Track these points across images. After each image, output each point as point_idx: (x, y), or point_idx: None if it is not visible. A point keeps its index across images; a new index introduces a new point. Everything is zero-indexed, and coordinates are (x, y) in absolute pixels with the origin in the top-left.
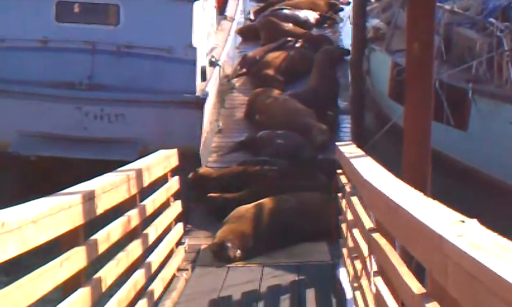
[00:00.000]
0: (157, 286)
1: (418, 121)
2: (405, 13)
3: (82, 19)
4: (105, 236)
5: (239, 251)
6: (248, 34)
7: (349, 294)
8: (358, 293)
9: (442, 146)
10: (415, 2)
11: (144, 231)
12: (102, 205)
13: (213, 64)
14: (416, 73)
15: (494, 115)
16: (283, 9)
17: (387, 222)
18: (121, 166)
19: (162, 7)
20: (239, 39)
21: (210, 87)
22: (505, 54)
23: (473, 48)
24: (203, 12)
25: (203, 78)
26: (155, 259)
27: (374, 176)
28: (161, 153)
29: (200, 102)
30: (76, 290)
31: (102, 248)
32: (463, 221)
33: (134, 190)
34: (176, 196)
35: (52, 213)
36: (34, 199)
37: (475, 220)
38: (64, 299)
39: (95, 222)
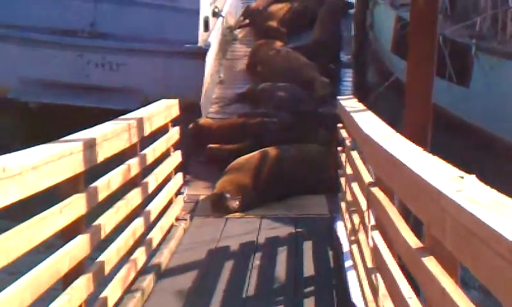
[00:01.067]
0: (155, 235)
1: (420, 76)
2: None
3: None
4: (106, 184)
5: (237, 202)
6: None
7: (346, 247)
8: (354, 247)
9: (444, 102)
10: None
11: (144, 180)
12: (103, 153)
13: (216, 14)
14: (420, 27)
15: (497, 72)
16: None
17: (386, 176)
18: (122, 115)
19: None
20: None
21: (212, 38)
22: (509, 10)
23: (478, 4)
24: None
25: (206, 28)
26: (154, 208)
27: (375, 131)
28: (162, 103)
29: (201, 53)
30: (75, 236)
31: (102, 196)
32: (461, 177)
33: (134, 139)
34: (177, 146)
35: (52, 160)
36: (35, 145)
37: (473, 176)
38: (64, 244)
39: (96, 170)
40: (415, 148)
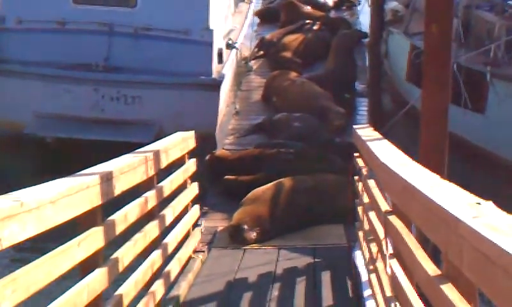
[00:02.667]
0: (173, 268)
1: (435, 104)
2: None
3: (99, 1)
4: (123, 217)
5: (255, 233)
6: (266, 16)
7: (364, 277)
8: (373, 276)
9: (460, 130)
10: None
11: (161, 213)
12: (120, 186)
13: (230, 46)
14: (434, 56)
15: None
16: None
17: (403, 204)
18: (138, 148)
19: None
20: (257, 21)
21: (226, 70)
22: None
23: (492, 31)
24: None
25: (220, 60)
26: (171, 240)
27: (391, 159)
28: (178, 135)
29: (216, 84)
30: (93, 270)
31: (119, 229)
32: (478, 203)
33: (151, 172)
34: (193, 177)
35: (70, 194)
36: (51, 180)
37: (490, 202)
38: (82, 278)
39: (113, 203)
40: (432, 175)
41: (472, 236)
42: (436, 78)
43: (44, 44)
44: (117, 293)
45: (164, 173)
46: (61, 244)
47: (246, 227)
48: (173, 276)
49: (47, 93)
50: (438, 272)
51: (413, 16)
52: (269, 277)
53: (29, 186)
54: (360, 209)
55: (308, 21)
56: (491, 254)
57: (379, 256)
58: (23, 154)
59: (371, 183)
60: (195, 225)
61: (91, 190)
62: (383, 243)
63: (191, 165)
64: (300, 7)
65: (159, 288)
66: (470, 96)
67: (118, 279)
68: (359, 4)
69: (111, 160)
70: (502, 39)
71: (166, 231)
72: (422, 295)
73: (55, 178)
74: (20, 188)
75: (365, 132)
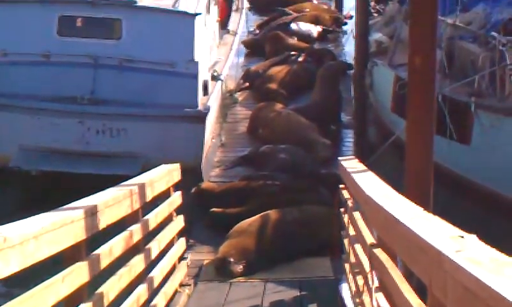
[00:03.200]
0: (159, 302)
1: (420, 135)
2: (407, 26)
3: (84, 33)
4: (108, 252)
5: (241, 266)
6: (251, 47)
7: None
8: None
9: (445, 160)
10: (417, 16)
11: (147, 246)
12: (105, 220)
13: (215, 78)
14: (418, 87)
15: (497, 129)
16: (287, 23)
17: (388, 237)
18: (123, 181)
19: (164, 22)
20: (243, 53)
21: (212, 102)
22: (507, 68)
23: (476, 62)
24: (206, 26)
25: (205, 92)
26: (157, 274)
27: (376, 191)
28: (164, 168)
29: (201, 116)
30: (78, 305)
31: (104, 263)
32: (462, 236)
33: (136, 205)
34: (179, 210)
35: (54, 229)
36: (36, 214)
37: (474, 236)
38: None
39: (98, 237)
40: (416, 208)
41: (455, 270)
42: (420, 110)
43: (29, 77)
44: None
45: (149, 205)
46: (45, 279)
47: (232, 260)
48: None
49: (32, 125)
50: (423, 306)
51: (397, 48)
52: None
53: (13, 220)
54: (346, 241)
55: (293, 52)
56: (474, 289)
57: (365, 289)
58: (7, 187)
59: (357, 215)
60: (181, 258)
61: (76, 225)
62: (369, 276)
63: (176, 198)
64: (285, 39)
65: None
66: (455, 126)
67: None
68: (344, 35)
69: (96, 194)
70: (486, 70)
71: (151, 264)
72: None
73: (40, 212)
74: (4, 223)
75: (351, 164)
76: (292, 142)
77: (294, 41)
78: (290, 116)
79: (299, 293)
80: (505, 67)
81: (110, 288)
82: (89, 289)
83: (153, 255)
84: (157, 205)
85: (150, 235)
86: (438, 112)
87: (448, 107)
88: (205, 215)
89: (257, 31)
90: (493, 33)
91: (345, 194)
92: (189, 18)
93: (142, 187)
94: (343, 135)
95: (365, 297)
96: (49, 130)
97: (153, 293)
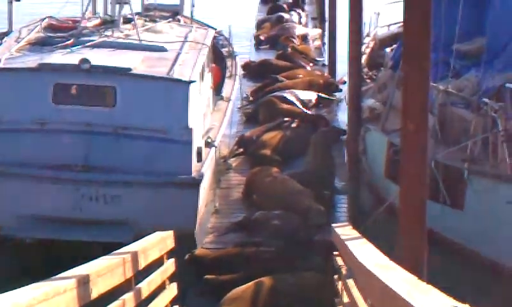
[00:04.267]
0: None
1: (413, 200)
2: (400, 93)
3: (79, 101)
4: None
5: None
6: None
7: None
8: None
9: (438, 226)
10: (409, 82)
11: None
12: (97, 289)
13: (209, 144)
14: (411, 152)
15: (490, 195)
16: (281, 89)
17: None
18: (117, 249)
19: (159, 89)
20: (236, 118)
21: (205, 168)
22: (499, 134)
23: (468, 128)
24: (200, 93)
25: (199, 159)
26: None
27: (370, 259)
28: (157, 235)
29: (195, 183)
30: None
31: None
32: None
33: (129, 274)
34: (173, 278)
35: (46, 299)
36: (28, 283)
37: (467, 306)
38: None
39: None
40: (410, 277)
41: None
42: (413, 175)
43: (24, 144)
44: None
45: (142, 273)
46: None
47: None
48: None
49: (26, 193)
50: None
51: (390, 114)
52: None
53: (6, 290)
54: None
55: (287, 118)
56: None
57: None
58: (1, 256)
59: (350, 282)
60: None
61: (68, 294)
62: None
63: (169, 266)
64: (279, 105)
65: None
66: (448, 192)
67: None
68: (338, 101)
69: (89, 262)
70: (479, 136)
71: None
72: None
73: (32, 281)
74: None
75: (344, 231)
76: (286, 208)
77: (287, 106)
78: (285, 181)
79: None
80: (497, 133)
81: None
82: None
83: None
84: (150, 273)
85: (143, 304)
86: (431, 178)
87: (441, 172)
88: (198, 282)
89: (251, 98)
90: (485, 99)
91: (339, 260)
92: (184, 85)
93: (135, 255)
94: (336, 201)
95: None
96: (43, 198)
97: None
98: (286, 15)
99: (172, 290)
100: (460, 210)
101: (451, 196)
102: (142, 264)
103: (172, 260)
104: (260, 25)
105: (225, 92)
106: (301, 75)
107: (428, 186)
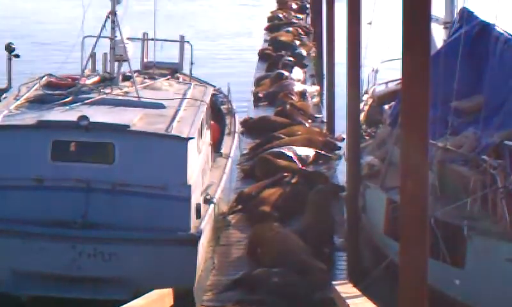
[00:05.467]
0: None
1: (414, 258)
2: (399, 150)
3: (77, 158)
4: None
5: None
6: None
7: None
8: None
9: (439, 284)
10: (408, 139)
11: None
12: None
13: (208, 201)
14: (410, 210)
15: (490, 252)
16: (279, 146)
17: None
18: (115, 306)
19: (157, 145)
20: (235, 176)
21: (204, 225)
22: (499, 191)
23: (467, 185)
24: (198, 150)
25: (198, 215)
26: None
27: None
28: (156, 293)
29: (194, 240)
30: None
31: None
32: None
33: None
34: None
35: None
36: None
37: None
38: None
39: None
40: None
41: None
42: (413, 233)
43: (21, 201)
44: None
45: None
46: None
47: None
48: None
49: (24, 250)
50: None
51: (389, 171)
52: None
53: None
54: None
55: (285, 174)
56: None
57: None
58: None
59: None
60: None
61: None
62: None
63: None
64: (275, 161)
65: None
66: (448, 250)
67: None
68: (336, 158)
69: None
70: (478, 193)
71: None
72: None
73: None
74: None
75: (345, 289)
76: (287, 264)
77: (286, 163)
78: (287, 238)
79: None
80: (496, 190)
81: None
82: None
83: None
84: None
85: None
86: (431, 235)
87: (440, 230)
88: None
89: (250, 154)
90: (484, 156)
91: None
92: (182, 142)
93: None
94: (336, 258)
95: None
96: (41, 255)
97: None
98: (285, 72)
99: None
100: (460, 268)
101: (451, 253)
102: None
103: None
104: (259, 81)
105: (224, 149)
106: (299, 132)
107: (428, 243)
